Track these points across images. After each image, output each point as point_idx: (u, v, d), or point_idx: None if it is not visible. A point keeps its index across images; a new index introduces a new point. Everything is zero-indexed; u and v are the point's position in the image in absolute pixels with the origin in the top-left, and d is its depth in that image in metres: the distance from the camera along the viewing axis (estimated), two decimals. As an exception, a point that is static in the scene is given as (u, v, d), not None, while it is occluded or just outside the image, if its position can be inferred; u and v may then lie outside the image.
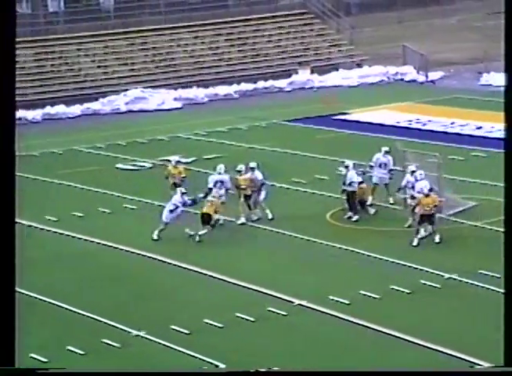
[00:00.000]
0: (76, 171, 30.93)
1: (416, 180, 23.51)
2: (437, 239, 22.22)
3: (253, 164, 25.23)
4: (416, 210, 22.60)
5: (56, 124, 38.63)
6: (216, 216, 23.40)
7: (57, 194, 29.05)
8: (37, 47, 42.95)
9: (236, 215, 24.78)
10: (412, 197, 23.19)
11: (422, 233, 22.27)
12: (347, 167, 24.88)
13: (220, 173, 25.20)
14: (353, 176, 24.56)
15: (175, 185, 25.53)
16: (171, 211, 23.71)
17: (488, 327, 18.17)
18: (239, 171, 25.13)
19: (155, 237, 23.65)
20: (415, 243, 22.18)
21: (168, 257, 22.69)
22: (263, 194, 24.65)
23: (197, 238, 23.20)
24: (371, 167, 25.89)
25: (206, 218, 23.30)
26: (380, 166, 25.69)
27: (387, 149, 26.00)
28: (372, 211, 24.77)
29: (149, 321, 19.21)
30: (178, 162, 26.85)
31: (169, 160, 27.67)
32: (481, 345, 17.32)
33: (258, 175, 24.95)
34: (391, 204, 25.15)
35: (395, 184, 25.15)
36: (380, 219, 24.44)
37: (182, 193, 24.05)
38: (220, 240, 23.83)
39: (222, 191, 24.44)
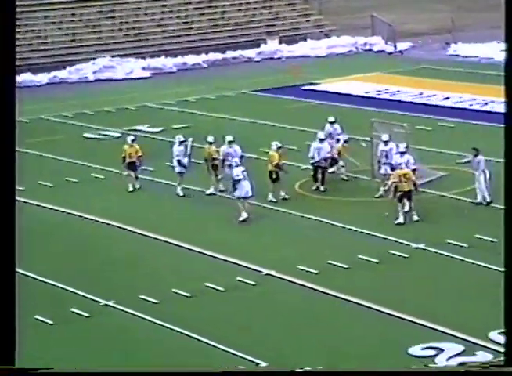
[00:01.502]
0: (43, 140, 30.70)
1: (397, 153, 23.23)
2: (415, 217, 22.15)
3: (230, 138, 24.93)
4: (392, 183, 22.16)
5: (23, 92, 38.18)
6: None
7: (24, 163, 28.81)
8: (3, 14, 42.36)
9: (205, 186, 24.78)
10: (392, 169, 23.09)
11: (405, 208, 22.13)
12: (322, 140, 24.74)
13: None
14: (327, 148, 24.60)
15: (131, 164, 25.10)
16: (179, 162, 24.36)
17: (455, 296, 18.37)
18: (210, 143, 25.04)
19: (180, 194, 24.30)
20: (401, 220, 21.98)
21: (137, 227, 22.66)
22: (241, 168, 23.97)
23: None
24: (321, 140, 25.84)
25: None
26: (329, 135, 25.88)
27: (332, 119, 26.07)
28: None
29: (118, 290, 19.21)
30: (134, 140, 25.69)
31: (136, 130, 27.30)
32: (448, 313, 17.51)
33: (237, 148, 24.71)
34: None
35: (363, 153, 25.23)
36: (349, 190, 24.54)
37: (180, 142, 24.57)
38: (190, 210, 23.83)
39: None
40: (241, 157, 24.30)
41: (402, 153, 22.97)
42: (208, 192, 24.47)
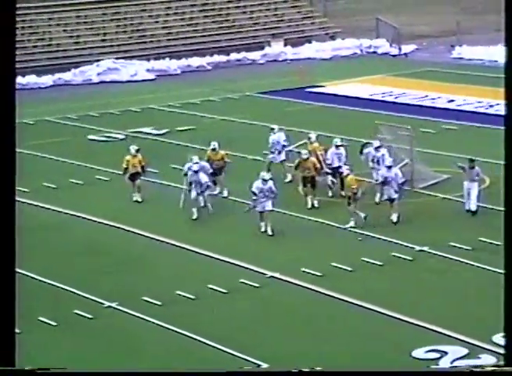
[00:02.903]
0: (48, 142, 30.73)
1: (384, 166, 22.86)
2: (394, 218, 22.11)
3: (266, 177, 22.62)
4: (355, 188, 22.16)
5: (27, 94, 38.28)
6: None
7: (29, 165, 28.86)
8: (8, 16, 42.42)
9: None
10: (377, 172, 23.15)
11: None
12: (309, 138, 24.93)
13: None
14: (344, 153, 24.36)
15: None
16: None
17: (459, 299, 18.33)
18: (214, 149, 24.54)
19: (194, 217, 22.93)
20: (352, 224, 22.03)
21: (141, 229, 22.66)
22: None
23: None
24: (337, 147, 25.93)
25: None
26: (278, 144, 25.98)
27: (275, 129, 26.17)
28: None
29: (121, 292, 19.20)
30: (138, 151, 24.66)
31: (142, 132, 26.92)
32: (451, 315, 17.48)
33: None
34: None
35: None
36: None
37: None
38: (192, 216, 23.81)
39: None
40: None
41: (389, 168, 22.52)
42: (216, 192, 24.35)
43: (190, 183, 22.99)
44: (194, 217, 22.82)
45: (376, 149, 23.81)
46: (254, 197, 21.79)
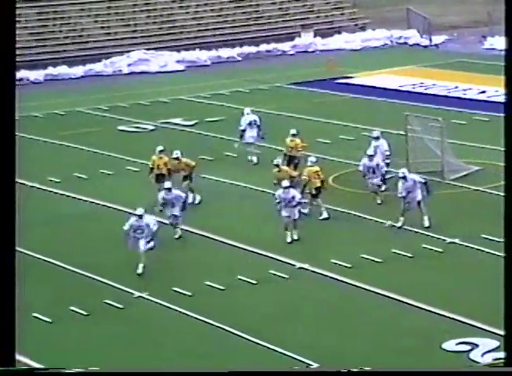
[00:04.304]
0: (78, 133, 30.88)
1: (365, 156, 22.55)
2: (324, 214, 21.95)
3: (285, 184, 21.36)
4: (303, 179, 22.05)
5: (58, 85, 38.48)
6: None
7: (59, 155, 29.02)
8: (40, 7, 42.66)
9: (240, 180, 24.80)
10: (382, 180, 22.79)
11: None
12: (377, 138, 24.07)
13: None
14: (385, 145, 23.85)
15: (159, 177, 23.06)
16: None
17: (489, 291, 18.23)
18: (176, 158, 23.09)
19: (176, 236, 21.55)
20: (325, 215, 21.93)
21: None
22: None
23: None
24: (243, 131, 26.61)
25: None
26: (250, 125, 26.60)
27: (248, 111, 26.86)
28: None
29: (152, 283, 19.28)
30: (162, 151, 23.85)
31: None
32: (481, 308, 17.38)
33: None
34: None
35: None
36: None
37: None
38: (224, 204, 23.83)
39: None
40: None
41: (371, 156, 22.34)
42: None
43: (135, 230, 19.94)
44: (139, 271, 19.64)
45: (370, 157, 22.73)
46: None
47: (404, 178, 21.47)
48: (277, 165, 22.80)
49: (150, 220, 19.92)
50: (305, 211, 21.81)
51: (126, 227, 19.93)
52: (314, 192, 22.26)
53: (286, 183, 21.22)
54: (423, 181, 21.69)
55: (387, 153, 23.91)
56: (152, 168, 23.67)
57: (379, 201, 22.77)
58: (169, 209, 21.29)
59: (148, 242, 19.79)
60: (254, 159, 26.63)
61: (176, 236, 21.51)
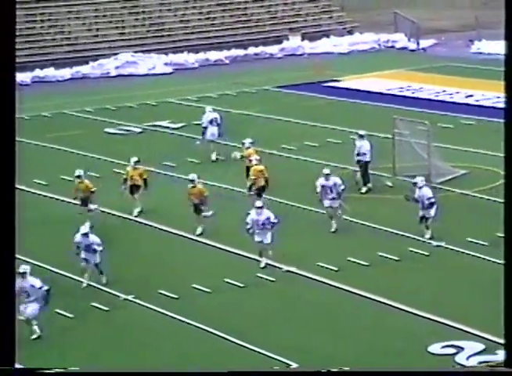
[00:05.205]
0: (65, 135, 30.82)
1: (322, 176, 21.59)
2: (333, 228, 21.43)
3: (259, 204, 20.35)
4: (251, 179, 22.33)
5: (46, 87, 38.42)
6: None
7: (46, 158, 28.95)
8: (28, 9, 42.58)
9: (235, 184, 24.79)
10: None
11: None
12: (361, 136, 24.21)
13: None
14: (367, 145, 23.93)
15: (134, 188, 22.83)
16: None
17: (476, 294, 18.27)
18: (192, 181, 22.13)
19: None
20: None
21: (158, 222, 22.70)
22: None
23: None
24: (205, 128, 27.31)
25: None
26: (211, 122, 27.21)
27: (210, 109, 27.61)
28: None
29: (138, 285, 19.24)
30: (138, 162, 23.45)
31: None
32: (467, 311, 17.42)
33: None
34: None
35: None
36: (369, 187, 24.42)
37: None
38: (211, 207, 23.82)
39: None
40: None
41: (327, 176, 21.38)
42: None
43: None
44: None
45: (326, 176, 21.59)
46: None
47: (420, 188, 20.80)
48: (192, 181, 21.77)
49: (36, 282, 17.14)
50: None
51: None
52: (257, 191, 22.43)
53: (259, 203, 20.10)
54: (433, 200, 20.85)
55: (368, 153, 23.90)
56: (125, 179, 23.20)
57: (333, 229, 21.34)
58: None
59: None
60: (213, 156, 27.02)
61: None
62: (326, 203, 21.65)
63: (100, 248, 19.12)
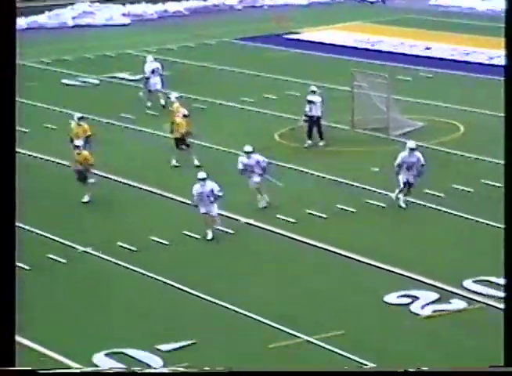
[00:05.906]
0: (21, 87, 30.36)
1: (243, 155, 20.34)
2: (262, 203, 20.24)
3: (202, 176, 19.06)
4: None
5: None
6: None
7: (2, 110, 28.55)
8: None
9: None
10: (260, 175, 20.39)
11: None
12: (313, 91, 24.22)
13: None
14: (319, 101, 23.76)
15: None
16: None
17: (431, 245, 18.50)
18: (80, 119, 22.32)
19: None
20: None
21: (116, 174, 22.59)
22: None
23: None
24: (147, 79, 27.41)
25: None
26: (153, 72, 27.33)
27: (151, 58, 27.83)
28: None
29: (96, 237, 19.21)
30: (82, 119, 22.76)
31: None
32: (423, 261, 17.64)
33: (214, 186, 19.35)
34: None
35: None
36: (328, 140, 24.48)
37: None
38: (169, 158, 23.76)
39: None
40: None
41: (249, 153, 20.13)
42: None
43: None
44: None
45: (248, 154, 20.23)
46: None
47: (412, 150, 19.89)
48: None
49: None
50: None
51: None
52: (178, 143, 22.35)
53: (201, 175, 18.86)
54: (423, 163, 20.03)
55: (320, 108, 23.67)
56: (71, 138, 22.18)
57: (264, 205, 20.24)
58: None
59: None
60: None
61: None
62: (253, 180, 20.25)
63: None
